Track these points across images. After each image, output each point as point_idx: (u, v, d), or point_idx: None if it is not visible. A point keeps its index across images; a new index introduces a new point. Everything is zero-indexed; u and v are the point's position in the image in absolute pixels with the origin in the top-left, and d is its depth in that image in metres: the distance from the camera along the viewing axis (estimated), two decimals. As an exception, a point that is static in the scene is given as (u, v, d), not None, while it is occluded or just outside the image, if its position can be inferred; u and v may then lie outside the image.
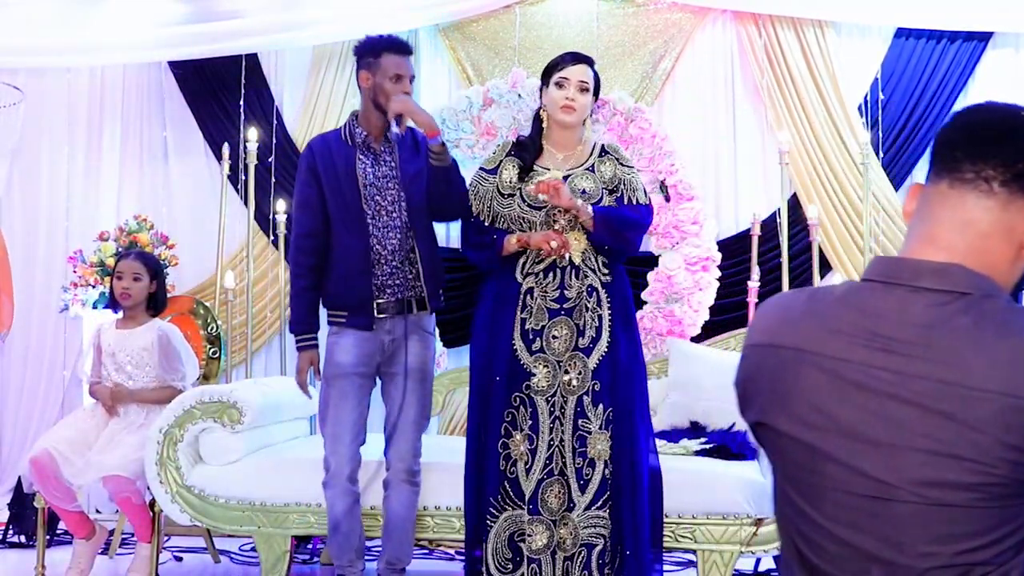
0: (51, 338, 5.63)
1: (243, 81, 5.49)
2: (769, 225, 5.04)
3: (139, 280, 3.88)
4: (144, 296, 3.90)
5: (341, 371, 3.22)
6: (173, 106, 5.66)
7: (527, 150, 3.24)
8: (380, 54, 3.19)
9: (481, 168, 3.31)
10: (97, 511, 4.36)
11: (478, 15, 5.32)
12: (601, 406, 3.09)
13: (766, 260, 5.02)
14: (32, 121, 5.70)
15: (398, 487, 3.22)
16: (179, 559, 4.30)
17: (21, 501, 4.46)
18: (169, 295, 4.26)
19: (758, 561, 4.03)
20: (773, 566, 3.98)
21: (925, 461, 1.13)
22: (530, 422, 3.09)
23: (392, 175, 3.21)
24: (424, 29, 5.40)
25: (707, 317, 5.00)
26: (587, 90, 3.17)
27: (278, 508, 3.50)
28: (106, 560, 4.24)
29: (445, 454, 3.63)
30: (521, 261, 3.17)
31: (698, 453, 3.53)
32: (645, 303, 4.98)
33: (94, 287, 5.03)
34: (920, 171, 5.15)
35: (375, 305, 3.19)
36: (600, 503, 3.05)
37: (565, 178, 3.17)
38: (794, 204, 5.07)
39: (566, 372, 3.10)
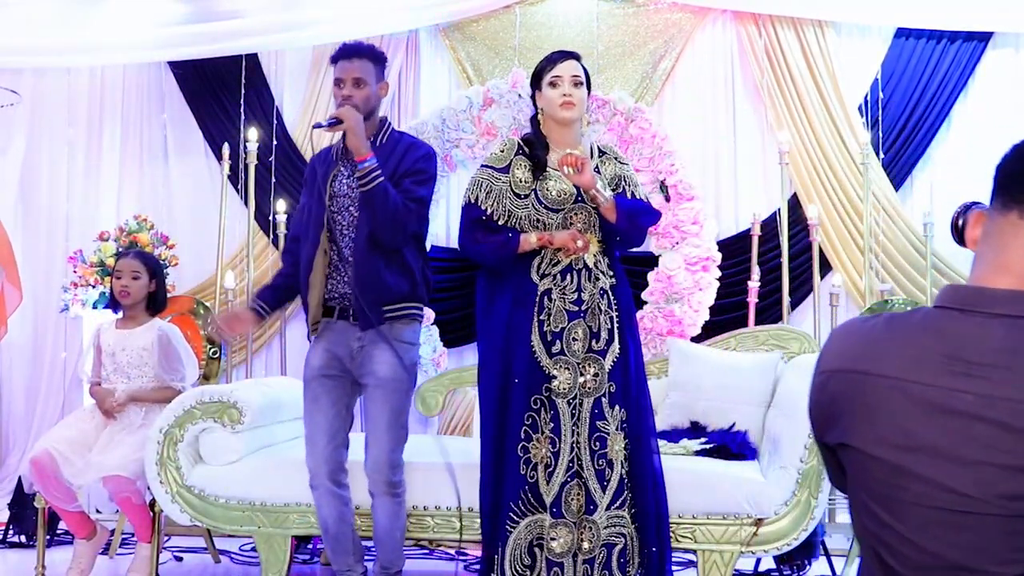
0: (51, 338, 5.64)
1: (243, 81, 5.49)
2: (769, 225, 5.05)
3: (138, 279, 3.88)
4: (143, 295, 3.90)
5: (311, 373, 3.24)
6: (173, 106, 5.66)
7: (537, 148, 3.20)
8: (335, 62, 3.26)
9: (489, 166, 3.23)
10: (97, 511, 4.36)
11: (478, 15, 5.33)
12: (617, 407, 3.10)
13: (766, 260, 5.02)
14: (32, 121, 5.70)
15: (380, 498, 3.21)
16: (179, 559, 4.30)
17: (21, 501, 4.46)
18: (169, 295, 4.26)
19: (758, 561, 4.03)
20: (773, 566, 3.98)
21: (1010, 476, 1.22)
22: (552, 425, 3.07)
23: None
24: (424, 29, 5.40)
25: (707, 317, 5.01)
26: (581, 84, 3.17)
27: (278, 508, 3.50)
28: (106, 560, 4.23)
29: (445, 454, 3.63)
30: (536, 262, 3.14)
31: (698, 453, 3.53)
32: (645, 303, 4.98)
33: (94, 287, 5.03)
34: (920, 171, 5.16)
35: (320, 310, 3.22)
36: (619, 503, 3.06)
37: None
38: (794, 204, 5.08)
39: (582, 374, 3.10)
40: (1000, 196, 1.31)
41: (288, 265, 3.36)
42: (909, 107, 5.10)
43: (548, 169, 3.17)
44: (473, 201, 3.19)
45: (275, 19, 5.34)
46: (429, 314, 4.98)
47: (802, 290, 4.99)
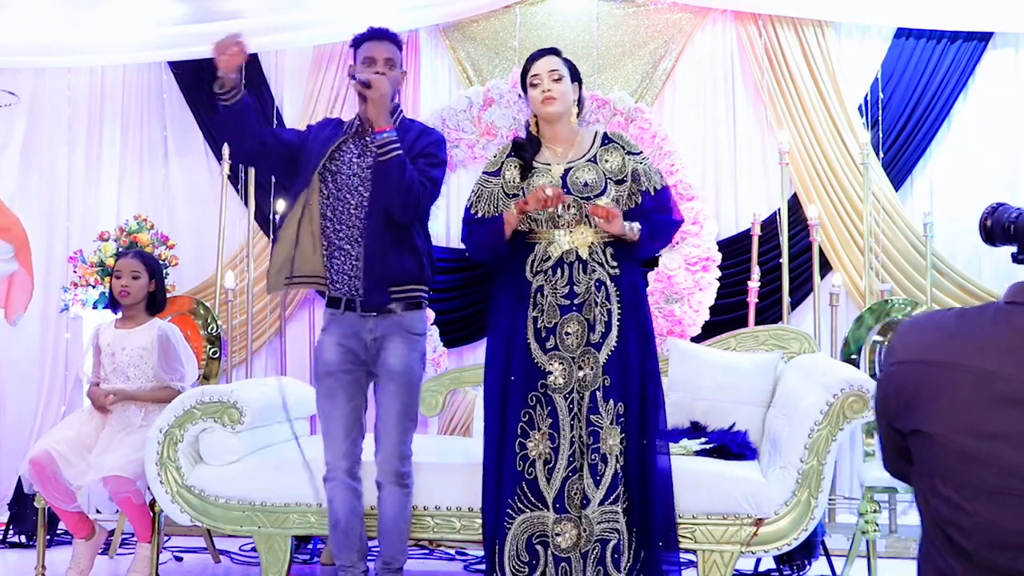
0: (51, 338, 5.64)
1: (243, 81, 5.48)
2: (769, 225, 5.04)
3: (137, 278, 3.88)
4: (143, 295, 3.90)
5: (326, 369, 3.24)
6: (173, 106, 5.66)
7: (525, 149, 3.25)
8: (360, 44, 3.27)
9: (485, 172, 3.32)
10: (97, 511, 4.35)
11: (478, 15, 5.33)
12: (611, 401, 3.07)
13: (766, 260, 5.02)
14: (32, 121, 5.70)
15: (388, 489, 3.23)
16: (179, 559, 4.30)
17: (21, 501, 4.46)
18: (169, 295, 4.26)
19: (758, 561, 4.03)
20: (773, 566, 3.98)
21: None
22: (550, 420, 3.08)
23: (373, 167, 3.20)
24: (424, 29, 5.40)
25: (707, 317, 5.01)
26: (561, 78, 3.19)
27: (278, 508, 3.50)
28: (106, 560, 4.24)
29: (445, 454, 3.63)
30: (530, 259, 3.17)
31: (698, 453, 3.53)
32: (645, 303, 4.98)
33: (94, 287, 5.03)
34: (920, 171, 5.16)
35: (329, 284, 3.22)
36: (612, 498, 3.05)
37: (567, 171, 3.17)
38: (794, 204, 5.07)
39: (580, 368, 3.10)
40: None
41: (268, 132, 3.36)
42: (909, 107, 5.09)
43: (536, 166, 3.22)
44: (469, 207, 3.29)
45: (275, 19, 5.34)
46: (429, 314, 4.98)
47: (802, 290, 4.99)
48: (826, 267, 5.01)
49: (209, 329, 4.57)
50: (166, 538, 4.40)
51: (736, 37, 5.26)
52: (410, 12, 5.26)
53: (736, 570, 3.46)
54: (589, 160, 3.19)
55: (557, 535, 3.04)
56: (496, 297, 3.29)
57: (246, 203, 5.17)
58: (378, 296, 3.16)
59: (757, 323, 4.78)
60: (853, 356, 4.27)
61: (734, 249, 5.11)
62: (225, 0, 5.35)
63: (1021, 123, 5.12)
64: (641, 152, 3.29)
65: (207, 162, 5.63)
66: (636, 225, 3.12)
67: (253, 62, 5.52)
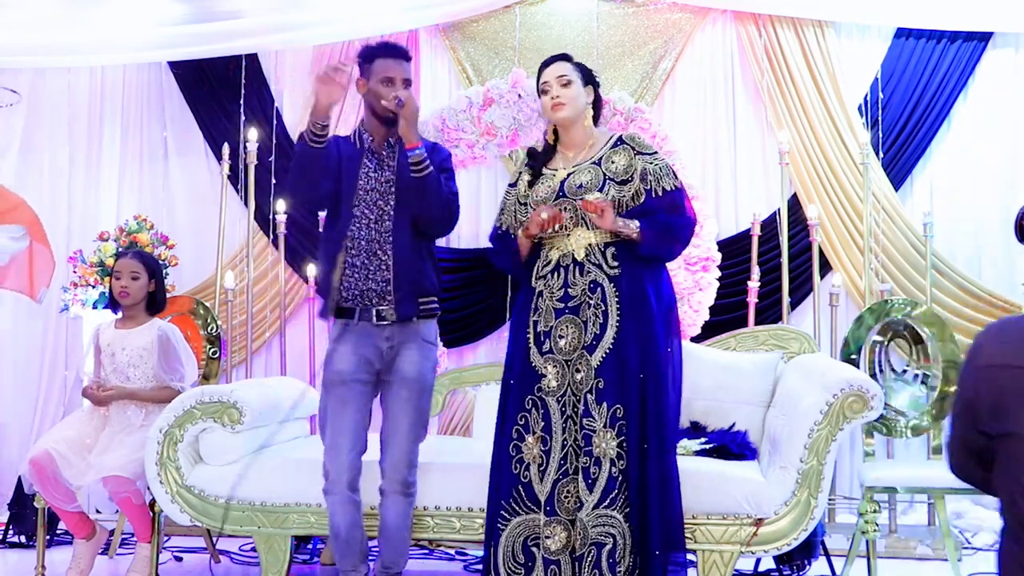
0: (51, 338, 5.64)
1: (243, 81, 5.49)
2: (769, 225, 5.05)
3: (137, 279, 3.88)
4: (143, 295, 3.90)
5: (339, 378, 3.22)
6: (173, 106, 5.67)
7: (536, 158, 3.28)
8: (373, 59, 3.22)
9: (509, 184, 3.37)
10: (97, 511, 4.36)
11: (478, 15, 5.33)
12: (605, 404, 3.03)
13: (766, 260, 5.02)
14: (32, 121, 5.70)
15: (392, 496, 3.22)
16: (179, 559, 4.30)
17: (21, 501, 4.46)
18: (169, 295, 4.26)
19: (758, 561, 4.03)
20: (773, 566, 3.98)
21: None
22: (543, 423, 3.08)
23: (393, 179, 3.21)
24: (424, 29, 5.40)
25: (707, 317, 5.01)
26: (569, 83, 3.18)
27: (278, 508, 3.50)
28: (106, 560, 4.24)
29: (445, 454, 3.63)
30: (536, 266, 3.20)
31: (698, 453, 3.52)
32: (645, 303, 4.98)
33: (94, 287, 5.03)
34: (920, 171, 5.17)
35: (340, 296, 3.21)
36: (608, 502, 3.02)
37: (567, 176, 3.17)
38: (794, 204, 5.08)
39: (576, 371, 3.09)
40: None
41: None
42: (909, 107, 5.10)
43: (544, 173, 3.23)
44: (496, 221, 3.35)
45: (275, 19, 5.34)
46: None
47: (802, 290, 4.99)
48: (826, 267, 5.01)
49: (209, 329, 4.57)
50: (166, 538, 4.40)
51: (736, 37, 5.26)
52: (410, 12, 5.26)
53: (736, 570, 3.46)
54: (593, 163, 3.17)
55: (547, 537, 3.03)
56: (515, 303, 3.34)
57: (246, 203, 5.17)
58: (407, 307, 3.18)
59: (757, 323, 4.79)
60: (853, 356, 4.27)
61: (734, 249, 5.11)
62: (225, 0, 5.35)
63: (1021, 123, 5.13)
64: (655, 153, 3.22)
65: (207, 162, 5.63)
66: (634, 222, 3.10)
67: (253, 62, 5.53)
